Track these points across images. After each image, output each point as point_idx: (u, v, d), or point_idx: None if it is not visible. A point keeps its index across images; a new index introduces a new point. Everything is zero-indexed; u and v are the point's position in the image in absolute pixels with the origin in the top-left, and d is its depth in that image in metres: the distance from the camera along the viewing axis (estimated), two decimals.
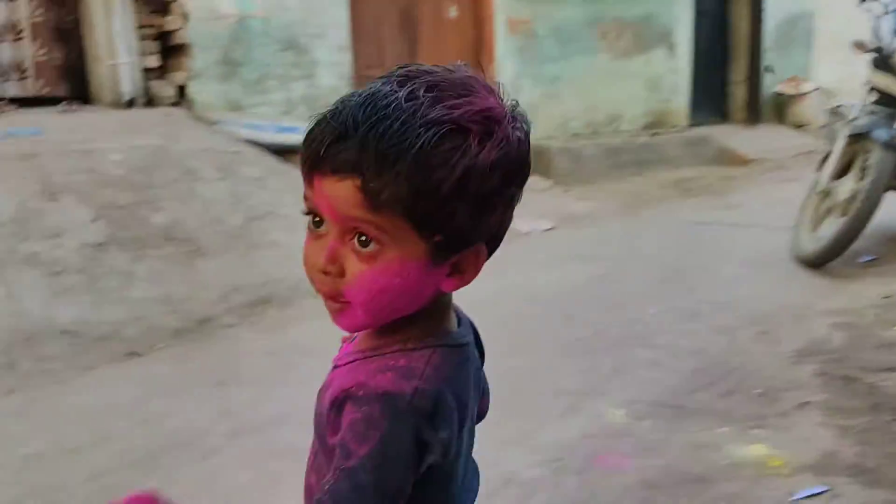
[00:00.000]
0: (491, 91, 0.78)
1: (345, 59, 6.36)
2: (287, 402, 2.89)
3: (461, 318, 0.88)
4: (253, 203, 4.61)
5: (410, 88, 0.74)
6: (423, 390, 0.77)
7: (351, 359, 0.84)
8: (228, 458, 2.50)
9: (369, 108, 0.74)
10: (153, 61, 5.49)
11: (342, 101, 0.77)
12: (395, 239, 0.76)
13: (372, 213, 0.74)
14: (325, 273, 0.79)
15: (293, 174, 5.14)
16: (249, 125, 5.45)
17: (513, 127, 0.77)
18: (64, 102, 5.29)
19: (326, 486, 0.78)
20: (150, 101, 5.47)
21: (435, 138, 0.73)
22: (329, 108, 0.77)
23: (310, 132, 0.77)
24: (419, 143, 0.72)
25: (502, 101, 0.78)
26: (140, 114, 5.30)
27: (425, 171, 0.73)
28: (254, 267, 4.16)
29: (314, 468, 0.87)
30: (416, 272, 0.77)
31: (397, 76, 0.77)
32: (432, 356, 0.80)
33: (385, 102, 0.74)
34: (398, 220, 0.75)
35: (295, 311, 3.94)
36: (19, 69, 5.30)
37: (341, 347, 0.91)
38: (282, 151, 5.37)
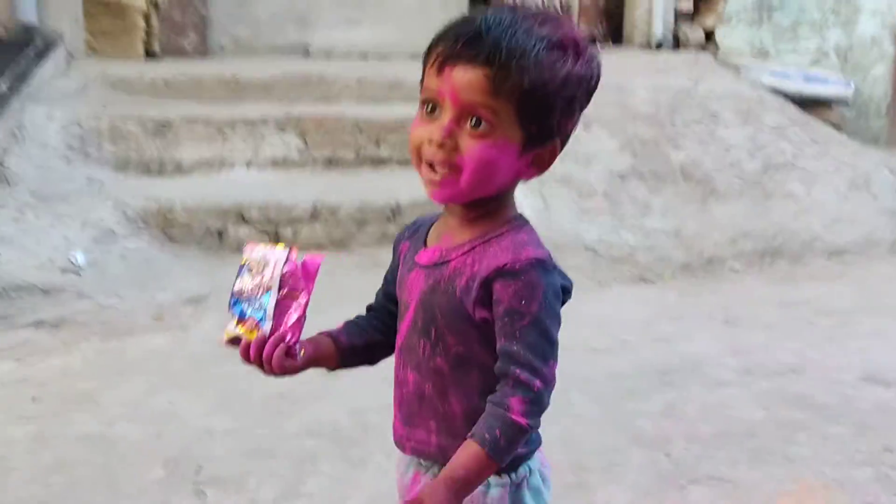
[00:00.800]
0: (574, 26, 0.98)
1: (890, 7, 5.63)
2: (800, 355, 2.77)
3: None
4: (771, 152, 4.42)
5: (523, 14, 0.95)
6: (548, 252, 0.97)
7: (468, 248, 0.98)
8: (739, 393, 2.49)
9: (497, 20, 0.93)
10: (686, 5, 5.54)
11: (465, 17, 0.96)
12: (502, 123, 0.93)
13: (492, 98, 0.92)
14: (441, 146, 0.94)
15: (816, 127, 4.78)
16: (775, 73, 5.20)
17: (591, 53, 0.98)
18: (598, 42, 5.66)
19: (513, 346, 0.93)
20: (678, 45, 5.55)
21: (546, 48, 0.93)
22: (456, 21, 0.96)
23: (443, 33, 0.95)
24: (536, 49, 0.92)
25: (583, 35, 0.98)
26: (667, 56, 5.42)
27: (539, 69, 0.92)
28: (766, 216, 4.02)
29: (431, 370, 1.00)
30: (512, 154, 0.95)
31: (508, 7, 0.96)
32: (532, 230, 1.00)
33: (509, 18, 0.93)
34: (510, 107, 0.92)
35: (807, 268, 3.73)
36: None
37: (419, 254, 1.03)
38: (806, 102, 5.03)
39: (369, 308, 1.14)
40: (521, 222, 1.01)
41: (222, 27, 4.85)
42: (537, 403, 0.93)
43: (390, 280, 1.09)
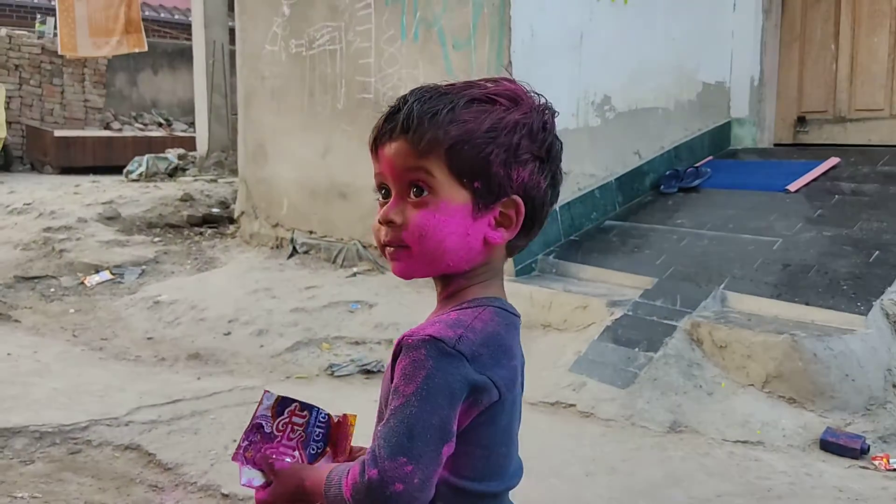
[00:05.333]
0: (514, 84, 0.93)
1: None
2: None
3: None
4: None
5: (449, 83, 0.93)
6: (466, 337, 0.84)
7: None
8: None
9: (415, 91, 0.93)
10: None
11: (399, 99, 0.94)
12: (442, 186, 0.88)
13: (420, 159, 0.89)
14: (389, 223, 0.91)
15: None
16: None
17: (538, 105, 0.92)
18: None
19: (379, 428, 0.83)
20: None
21: (465, 102, 0.90)
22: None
23: (375, 126, 0.94)
24: (453, 105, 0.89)
25: (530, 93, 0.93)
26: None
27: (459, 122, 0.88)
28: None
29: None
30: (461, 216, 0.88)
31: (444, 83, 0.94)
32: (482, 312, 0.89)
33: (429, 88, 0.92)
34: (442, 165, 0.88)
35: None
36: None
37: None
38: None
39: None
40: (485, 303, 0.90)
41: None
42: (364, 494, 0.81)
43: None
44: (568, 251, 4.46)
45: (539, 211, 0.94)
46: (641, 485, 2.62)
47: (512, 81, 0.94)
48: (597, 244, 4.48)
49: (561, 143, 0.95)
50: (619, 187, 4.85)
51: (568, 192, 4.58)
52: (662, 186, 4.93)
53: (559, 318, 3.89)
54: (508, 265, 4.26)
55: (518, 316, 0.95)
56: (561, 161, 0.96)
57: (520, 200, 0.91)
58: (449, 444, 0.82)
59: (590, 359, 3.47)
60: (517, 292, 4.11)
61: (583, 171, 4.68)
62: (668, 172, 5.01)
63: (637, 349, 3.40)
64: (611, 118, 4.79)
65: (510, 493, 0.94)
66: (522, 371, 0.94)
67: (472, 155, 0.88)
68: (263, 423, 0.98)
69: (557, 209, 4.49)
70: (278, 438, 0.98)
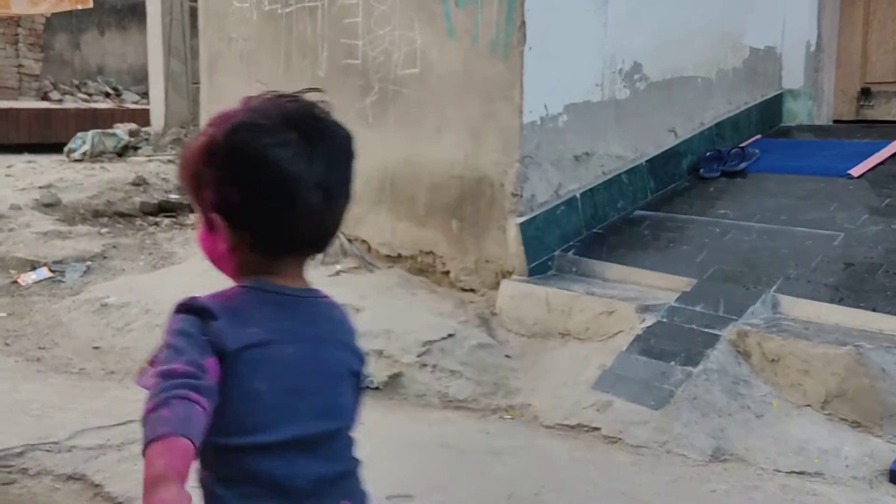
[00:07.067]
0: (235, 110, 1.23)
1: None
2: None
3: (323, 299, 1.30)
4: None
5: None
6: (197, 300, 1.19)
7: None
8: None
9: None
10: None
11: None
12: (197, 209, 1.25)
13: (182, 186, 1.29)
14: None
15: None
16: None
17: (215, 128, 1.22)
18: None
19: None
20: None
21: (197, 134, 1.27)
22: None
23: None
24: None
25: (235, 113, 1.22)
26: None
27: (182, 151, 1.26)
28: None
29: None
30: (204, 232, 1.24)
31: None
32: (229, 290, 1.23)
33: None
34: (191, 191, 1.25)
35: None
36: None
37: None
38: None
39: None
40: (232, 288, 1.26)
41: None
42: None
43: None
44: (590, 247, 4.43)
45: (249, 216, 1.20)
46: None
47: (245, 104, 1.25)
48: (624, 238, 4.46)
49: (249, 141, 1.18)
50: (650, 171, 4.83)
51: (591, 176, 4.56)
52: (702, 170, 4.91)
53: (580, 326, 3.87)
54: (520, 264, 4.24)
55: (280, 293, 1.24)
56: (260, 158, 1.18)
57: (216, 216, 1.21)
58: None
59: (617, 374, 3.45)
60: (530, 295, 4.09)
61: (608, 153, 4.65)
62: (708, 154, 4.99)
63: (673, 363, 3.38)
64: (641, 89, 4.76)
65: None
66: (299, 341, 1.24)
67: (184, 180, 1.26)
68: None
69: (578, 196, 4.47)
70: None
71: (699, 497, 2.78)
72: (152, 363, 1.15)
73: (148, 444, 1.04)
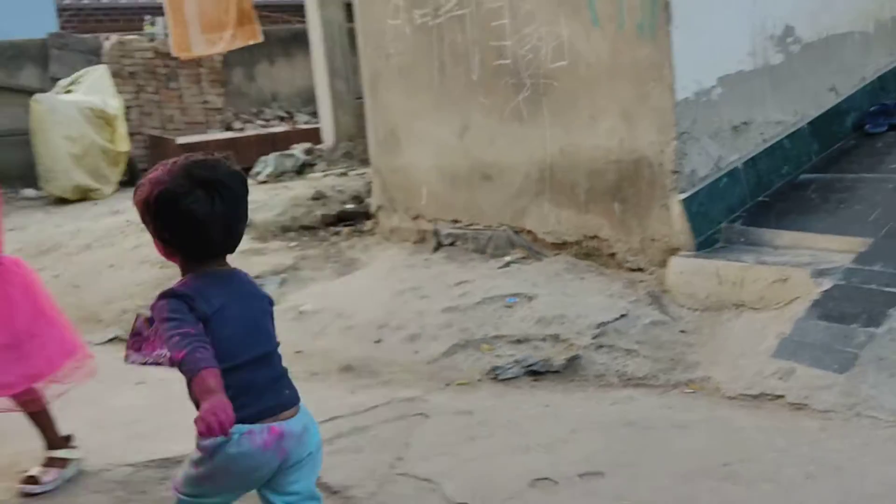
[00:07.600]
0: (166, 166, 1.93)
1: None
2: None
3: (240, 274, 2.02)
4: None
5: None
6: (175, 289, 1.89)
7: None
8: None
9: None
10: None
11: None
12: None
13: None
14: None
15: None
16: None
17: (142, 184, 1.93)
18: None
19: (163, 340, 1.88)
20: None
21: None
22: None
23: None
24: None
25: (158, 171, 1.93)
26: None
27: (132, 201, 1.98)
28: None
29: None
30: (156, 244, 1.97)
31: None
32: (187, 279, 1.93)
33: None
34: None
35: None
36: None
37: None
38: None
39: None
40: (185, 278, 1.95)
41: None
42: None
43: None
44: (757, 215, 4.34)
45: (177, 244, 1.94)
46: (875, 487, 2.54)
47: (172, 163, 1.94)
48: (792, 204, 4.33)
49: (164, 194, 1.88)
50: (813, 133, 4.65)
51: (751, 145, 4.45)
52: (868, 126, 4.68)
53: (754, 296, 3.81)
54: (687, 240, 4.21)
55: (219, 275, 1.96)
56: (179, 212, 1.89)
57: (157, 242, 1.96)
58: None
59: (796, 340, 3.39)
60: (701, 269, 4.06)
61: (766, 119, 4.52)
62: (873, 108, 4.75)
63: (855, 325, 3.29)
64: (795, 52, 4.59)
65: None
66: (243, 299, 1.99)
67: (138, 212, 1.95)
68: (143, 330, 2.21)
69: (740, 166, 4.38)
70: (152, 339, 2.16)
71: (893, 458, 2.70)
72: (134, 339, 2.19)
73: (197, 371, 1.73)
